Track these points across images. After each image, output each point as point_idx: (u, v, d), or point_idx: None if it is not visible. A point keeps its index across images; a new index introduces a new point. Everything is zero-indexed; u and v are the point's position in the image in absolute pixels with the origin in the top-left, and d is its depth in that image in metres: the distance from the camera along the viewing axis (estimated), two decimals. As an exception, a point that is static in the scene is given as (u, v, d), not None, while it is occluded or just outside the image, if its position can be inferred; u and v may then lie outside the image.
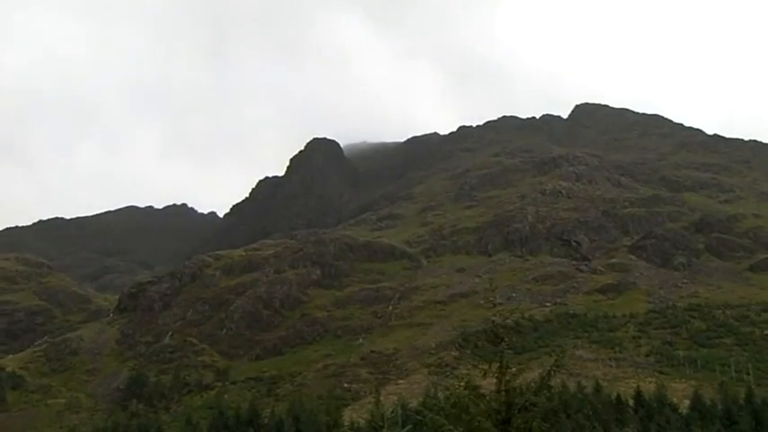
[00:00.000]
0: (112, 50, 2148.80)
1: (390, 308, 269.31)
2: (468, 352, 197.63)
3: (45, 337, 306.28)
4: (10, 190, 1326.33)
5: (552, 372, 27.83)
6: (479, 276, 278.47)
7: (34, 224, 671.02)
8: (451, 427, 25.93)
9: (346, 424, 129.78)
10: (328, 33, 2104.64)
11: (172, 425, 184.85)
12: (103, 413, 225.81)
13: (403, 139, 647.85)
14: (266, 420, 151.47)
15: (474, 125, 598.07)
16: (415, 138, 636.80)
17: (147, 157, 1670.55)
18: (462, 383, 27.56)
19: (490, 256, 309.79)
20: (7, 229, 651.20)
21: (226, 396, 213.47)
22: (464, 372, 28.27)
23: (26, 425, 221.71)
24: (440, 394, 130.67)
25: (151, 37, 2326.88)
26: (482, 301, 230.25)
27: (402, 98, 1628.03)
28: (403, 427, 30.91)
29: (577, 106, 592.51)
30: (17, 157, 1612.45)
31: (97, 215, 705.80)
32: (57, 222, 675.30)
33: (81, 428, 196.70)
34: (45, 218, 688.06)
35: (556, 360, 28.52)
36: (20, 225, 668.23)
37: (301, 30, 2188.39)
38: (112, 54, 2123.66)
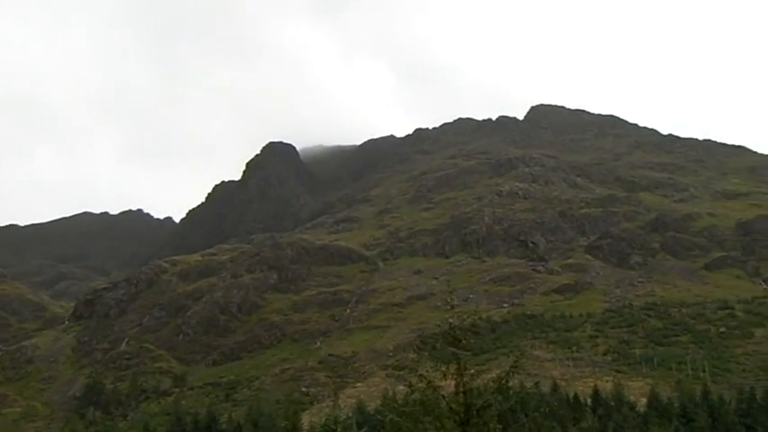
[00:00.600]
0: (65, 55, 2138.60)
1: (348, 311, 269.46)
2: (427, 354, 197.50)
3: (0, 346, 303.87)
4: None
5: (511, 373, 27.75)
6: (437, 278, 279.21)
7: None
8: (420, 422, 25.83)
9: (305, 428, 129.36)
10: (280, 36, 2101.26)
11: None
12: (60, 421, 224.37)
13: (359, 142, 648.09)
14: (224, 426, 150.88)
15: (430, 127, 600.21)
16: (371, 140, 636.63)
17: (102, 163, 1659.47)
18: (424, 383, 27.46)
19: (447, 257, 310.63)
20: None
21: (183, 402, 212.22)
22: (423, 373, 28.07)
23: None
24: (398, 396, 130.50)
25: (105, 41, 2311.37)
26: (440, 303, 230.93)
27: (357, 101, 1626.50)
28: (359, 429, 30.76)
29: (533, 107, 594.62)
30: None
31: (52, 222, 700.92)
32: (11, 229, 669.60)
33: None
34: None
35: (515, 361, 28.44)
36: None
37: (254, 33, 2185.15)
38: (65, 59, 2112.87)
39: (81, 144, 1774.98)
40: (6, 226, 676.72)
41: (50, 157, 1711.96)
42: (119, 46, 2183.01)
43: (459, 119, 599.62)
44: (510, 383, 27.67)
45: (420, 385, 27.60)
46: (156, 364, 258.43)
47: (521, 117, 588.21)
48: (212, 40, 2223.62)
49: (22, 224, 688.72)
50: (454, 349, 27.82)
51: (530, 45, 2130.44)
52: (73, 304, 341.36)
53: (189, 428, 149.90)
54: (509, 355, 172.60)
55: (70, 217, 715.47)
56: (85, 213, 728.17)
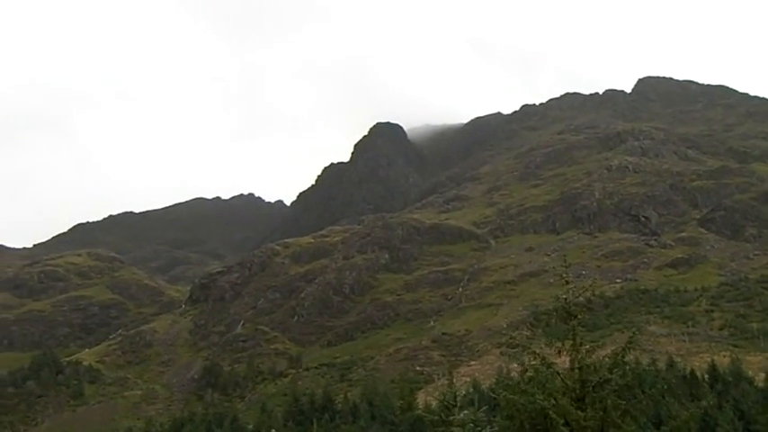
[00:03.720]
0: (174, 42, 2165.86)
1: (460, 289, 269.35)
2: (540, 331, 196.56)
3: (119, 331, 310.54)
4: (80, 186, 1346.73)
5: (627, 348, 27.87)
6: (548, 255, 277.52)
7: (105, 219, 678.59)
8: (534, 399, 26.10)
9: (420, 407, 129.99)
10: (380, 17, 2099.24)
11: (247, 413, 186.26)
12: (179, 403, 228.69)
13: (466, 121, 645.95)
14: (340, 406, 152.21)
15: (537, 103, 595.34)
16: (478, 118, 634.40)
17: (213, 148, 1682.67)
18: (537, 361, 27.70)
19: (558, 234, 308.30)
20: (79, 224, 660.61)
21: (299, 383, 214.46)
22: (537, 350, 28.32)
23: (104, 417, 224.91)
24: (513, 373, 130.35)
25: (216, 27, 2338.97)
26: (552, 280, 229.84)
27: (462, 79, 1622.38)
28: (475, 407, 31.07)
29: (641, 80, 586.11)
30: (85, 154, 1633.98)
31: (166, 208, 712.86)
32: (127, 217, 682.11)
33: (158, 419, 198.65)
34: (115, 212, 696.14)
35: (630, 337, 28.51)
36: (91, 220, 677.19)
37: (356, 16, 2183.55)
38: (175, 46, 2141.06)
39: (193, 130, 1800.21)
40: (122, 213, 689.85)
41: (163, 143, 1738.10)
42: (226, 33, 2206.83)
43: (566, 94, 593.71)
44: (626, 359, 27.79)
45: (534, 362, 27.84)
46: (272, 346, 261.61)
47: (628, 90, 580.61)
48: (314, 24, 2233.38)
49: (137, 211, 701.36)
50: (573, 322, 28.03)
51: (635, 16, 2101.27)
52: (188, 288, 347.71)
53: (305, 409, 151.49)
54: (623, 330, 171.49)
55: (184, 203, 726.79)
56: (198, 199, 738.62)
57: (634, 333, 29.10)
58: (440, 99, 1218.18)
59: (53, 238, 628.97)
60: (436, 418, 31.09)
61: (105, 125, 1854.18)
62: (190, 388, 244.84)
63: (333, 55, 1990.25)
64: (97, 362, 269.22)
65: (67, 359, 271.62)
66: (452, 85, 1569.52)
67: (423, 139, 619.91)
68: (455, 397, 30.20)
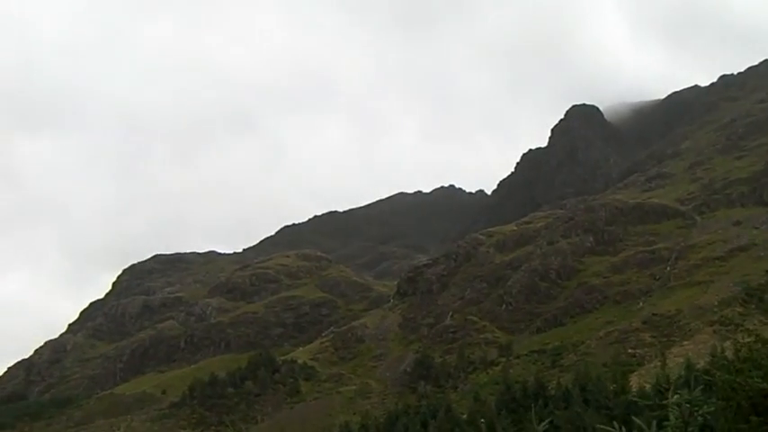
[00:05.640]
0: (361, 40, 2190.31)
1: (668, 268, 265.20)
2: (753, 307, 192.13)
3: (331, 328, 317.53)
4: (285, 190, 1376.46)
5: None
6: (757, 228, 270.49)
7: (310, 220, 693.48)
8: (752, 378, 25.98)
9: (634, 390, 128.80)
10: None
11: (460, 403, 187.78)
12: (393, 396, 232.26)
13: (662, 96, 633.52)
14: (553, 392, 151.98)
15: (735, 72, 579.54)
16: (675, 93, 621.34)
17: (410, 142, 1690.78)
18: (751, 338, 27.50)
19: (767, 206, 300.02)
20: (285, 227, 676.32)
21: (511, 371, 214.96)
22: (751, 327, 28.11)
23: (321, 413, 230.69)
24: (728, 352, 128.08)
25: (403, 20, 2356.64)
26: (762, 254, 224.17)
27: (654, 53, 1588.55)
28: (689, 388, 31.06)
29: None
30: (287, 159, 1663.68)
31: (368, 205, 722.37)
32: (331, 216, 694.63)
33: (373, 413, 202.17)
34: (319, 213, 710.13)
35: None
36: (296, 222, 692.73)
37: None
38: (362, 43, 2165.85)
39: (387, 126, 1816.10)
40: (326, 213, 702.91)
41: (359, 141, 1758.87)
42: (404, 25, 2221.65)
43: (765, 60, 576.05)
44: None
45: (748, 339, 27.66)
46: (482, 336, 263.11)
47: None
48: (499, 9, 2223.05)
49: (341, 210, 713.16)
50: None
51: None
52: (396, 283, 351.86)
53: (518, 396, 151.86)
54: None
55: (385, 199, 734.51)
56: (400, 194, 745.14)
57: None
58: (633, 75, 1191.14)
59: (261, 241, 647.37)
60: (650, 402, 31.17)
61: (303, 126, 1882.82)
62: (403, 381, 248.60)
63: (520, 39, 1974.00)
64: (311, 359, 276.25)
65: (282, 358, 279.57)
66: (644, 60, 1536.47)
67: (619, 117, 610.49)
68: (668, 379, 30.25)
